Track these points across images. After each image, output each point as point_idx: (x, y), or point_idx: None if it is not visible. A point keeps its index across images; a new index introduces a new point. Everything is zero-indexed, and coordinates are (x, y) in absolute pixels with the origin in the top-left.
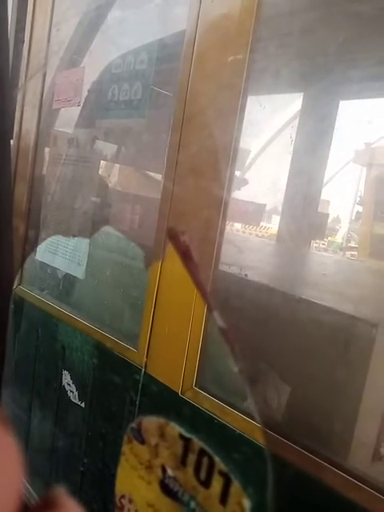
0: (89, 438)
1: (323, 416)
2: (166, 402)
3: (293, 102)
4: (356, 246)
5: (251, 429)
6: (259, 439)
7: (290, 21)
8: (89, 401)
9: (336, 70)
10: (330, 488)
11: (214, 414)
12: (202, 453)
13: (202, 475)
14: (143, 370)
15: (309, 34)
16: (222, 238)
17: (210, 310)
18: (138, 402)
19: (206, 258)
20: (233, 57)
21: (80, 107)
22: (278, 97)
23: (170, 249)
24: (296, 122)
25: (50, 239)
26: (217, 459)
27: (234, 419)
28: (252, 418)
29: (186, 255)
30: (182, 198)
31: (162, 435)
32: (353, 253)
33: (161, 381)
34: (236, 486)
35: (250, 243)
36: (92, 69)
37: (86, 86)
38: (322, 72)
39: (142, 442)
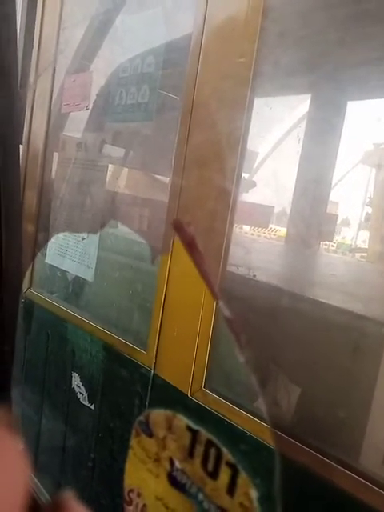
0: (99, 439)
1: (333, 416)
2: (175, 404)
3: (300, 102)
4: (365, 247)
5: (262, 430)
6: (270, 441)
7: (297, 20)
8: (98, 402)
9: (344, 69)
10: (342, 490)
11: (224, 416)
12: (209, 444)
13: (210, 467)
14: (152, 371)
15: (316, 33)
16: (231, 230)
17: (216, 302)
18: (147, 404)
19: (214, 253)
20: (240, 54)
21: (88, 111)
22: (285, 97)
23: (178, 244)
24: (304, 122)
25: (59, 242)
26: (224, 450)
27: (243, 421)
28: (262, 419)
29: (191, 246)
30: (190, 191)
31: (170, 428)
32: (362, 254)
33: (170, 382)
34: (243, 477)
35: (258, 245)
36: (100, 73)
37: (95, 90)
38: (329, 71)
39: (150, 435)
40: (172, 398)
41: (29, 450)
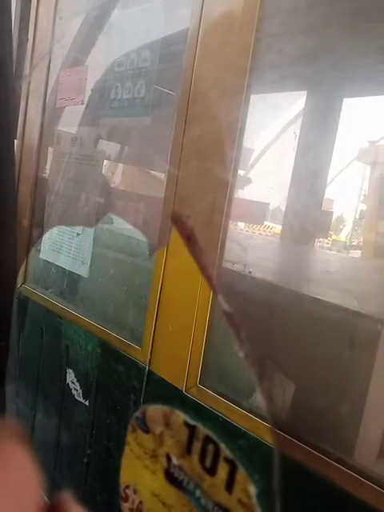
0: (93, 435)
1: (328, 413)
2: (170, 400)
3: (296, 100)
4: (360, 244)
5: (257, 426)
6: (265, 437)
7: (294, 13)
8: (93, 399)
9: (340, 67)
10: (336, 485)
11: (219, 412)
12: (207, 440)
13: (208, 463)
14: (147, 367)
15: (312, 31)
16: (227, 224)
17: (215, 295)
18: (142, 400)
19: (211, 248)
20: (237, 46)
21: (84, 106)
22: (281, 94)
23: (175, 236)
24: (300, 119)
25: (54, 238)
26: (222, 446)
27: (239, 417)
28: (257, 415)
29: (190, 239)
30: (186, 184)
31: (167, 424)
32: (357, 251)
33: (165, 378)
34: (242, 473)
35: (254, 241)
36: (95, 67)
37: (90, 85)
38: (326, 69)
39: (147, 431)
40: (167, 394)
41: (38, 466)
